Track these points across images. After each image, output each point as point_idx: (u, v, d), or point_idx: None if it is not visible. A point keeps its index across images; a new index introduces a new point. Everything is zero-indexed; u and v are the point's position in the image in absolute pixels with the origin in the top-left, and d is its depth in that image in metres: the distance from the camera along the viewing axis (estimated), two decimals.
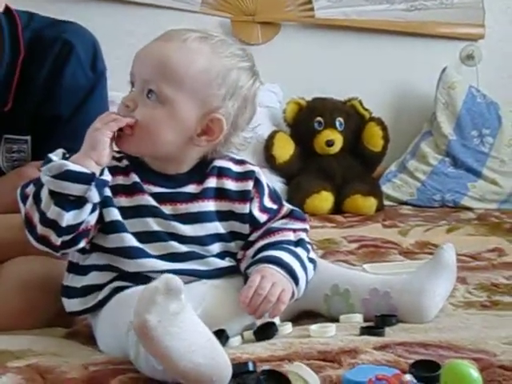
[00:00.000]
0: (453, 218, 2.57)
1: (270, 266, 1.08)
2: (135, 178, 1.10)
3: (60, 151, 1.05)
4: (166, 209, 1.09)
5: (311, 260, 1.15)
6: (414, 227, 2.31)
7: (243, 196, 1.13)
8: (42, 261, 1.25)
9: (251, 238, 1.14)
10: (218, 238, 1.12)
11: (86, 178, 1.00)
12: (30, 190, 1.04)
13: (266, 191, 1.16)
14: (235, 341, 1.04)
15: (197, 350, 0.81)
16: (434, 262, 1.18)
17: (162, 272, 0.89)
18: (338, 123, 2.89)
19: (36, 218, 1.03)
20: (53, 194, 1.00)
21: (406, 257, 1.83)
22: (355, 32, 3.21)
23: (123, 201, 1.08)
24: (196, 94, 1.07)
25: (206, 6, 3.13)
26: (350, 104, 2.96)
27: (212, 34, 1.12)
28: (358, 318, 1.14)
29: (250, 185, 1.14)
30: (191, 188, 1.11)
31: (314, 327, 1.07)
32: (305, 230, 1.18)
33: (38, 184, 1.02)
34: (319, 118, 2.89)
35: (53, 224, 1.01)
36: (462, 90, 3.09)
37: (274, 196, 1.18)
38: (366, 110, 2.95)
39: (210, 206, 1.12)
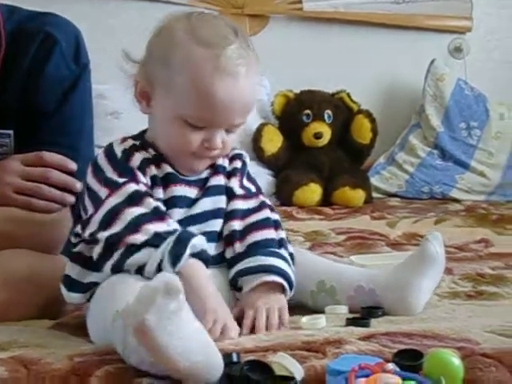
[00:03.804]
0: (441, 209, 2.58)
1: (269, 276, 1.08)
2: (168, 168, 1.11)
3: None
4: (193, 193, 1.12)
5: (291, 256, 1.16)
6: (402, 219, 2.32)
7: (233, 173, 1.17)
8: (28, 253, 1.25)
9: (235, 227, 1.13)
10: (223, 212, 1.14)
11: None
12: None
13: (247, 174, 1.20)
14: None
15: (194, 349, 0.81)
16: (419, 255, 1.16)
17: None
18: (326, 116, 2.89)
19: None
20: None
21: (393, 248, 1.84)
22: (343, 25, 3.22)
23: (160, 192, 1.09)
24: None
25: None
26: (339, 96, 2.97)
27: (245, 48, 1.10)
28: (343, 310, 1.14)
29: (239, 163, 1.18)
30: (206, 173, 1.15)
31: (304, 319, 1.07)
32: (280, 223, 1.19)
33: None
34: (307, 111, 2.89)
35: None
36: (450, 82, 3.10)
37: (254, 183, 1.22)
38: (355, 102, 2.96)
39: (221, 180, 1.15)
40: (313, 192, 2.73)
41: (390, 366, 0.81)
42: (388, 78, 3.24)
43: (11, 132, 1.39)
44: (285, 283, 1.09)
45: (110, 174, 1.07)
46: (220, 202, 1.14)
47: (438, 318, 1.11)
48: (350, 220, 2.37)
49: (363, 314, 1.10)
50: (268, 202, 1.20)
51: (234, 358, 0.87)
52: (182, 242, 1.01)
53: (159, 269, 0.99)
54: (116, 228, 1.01)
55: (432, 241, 1.16)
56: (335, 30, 3.22)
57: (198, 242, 1.03)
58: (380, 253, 1.77)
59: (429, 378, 0.81)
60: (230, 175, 1.17)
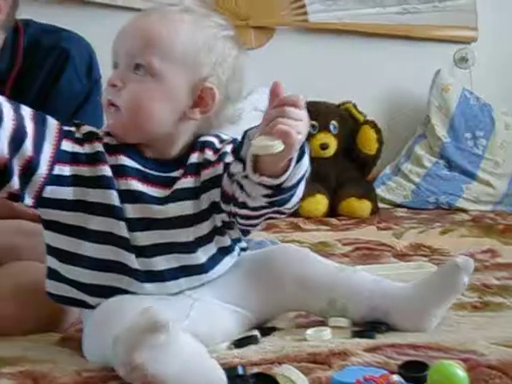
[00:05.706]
0: (447, 219, 2.58)
1: None
2: (126, 160, 1.04)
3: None
4: (157, 192, 1.05)
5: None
6: (409, 229, 2.32)
7: (220, 158, 1.08)
8: (34, 265, 1.25)
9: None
10: (195, 218, 1.07)
11: None
12: None
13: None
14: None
15: (190, 369, 0.82)
16: (445, 281, 1.10)
17: None
18: (332, 127, 2.90)
19: None
20: None
21: (399, 259, 1.84)
22: (349, 36, 3.22)
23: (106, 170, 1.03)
24: (185, 64, 1.04)
25: None
26: (344, 107, 2.97)
27: (193, 8, 1.09)
28: (347, 323, 1.12)
29: (228, 147, 1.09)
30: (178, 173, 1.07)
31: (310, 331, 1.07)
32: None
33: None
34: (313, 122, 2.89)
35: None
36: (455, 92, 3.10)
37: None
38: (360, 113, 2.96)
39: (190, 182, 1.06)
40: (319, 203, 2.73)
41: (395, 377, 0.82)
42: (393, 88, 3.25)
43: None
44: None
45: None
46: (187, 208, 1.05)
47: (443, 329, 1.11)
48: (357, 231, 2.36)
49: (368, 328, 1.10)
50: None
51: (240, 371, 0.88)
52: None
53: None
54: None
55: (464, 270, 1.10)
56: (340, 41, 3.23)
57: None
58: (386, 263, 1.76)
59: None
60: (218, 161, 1.07)
